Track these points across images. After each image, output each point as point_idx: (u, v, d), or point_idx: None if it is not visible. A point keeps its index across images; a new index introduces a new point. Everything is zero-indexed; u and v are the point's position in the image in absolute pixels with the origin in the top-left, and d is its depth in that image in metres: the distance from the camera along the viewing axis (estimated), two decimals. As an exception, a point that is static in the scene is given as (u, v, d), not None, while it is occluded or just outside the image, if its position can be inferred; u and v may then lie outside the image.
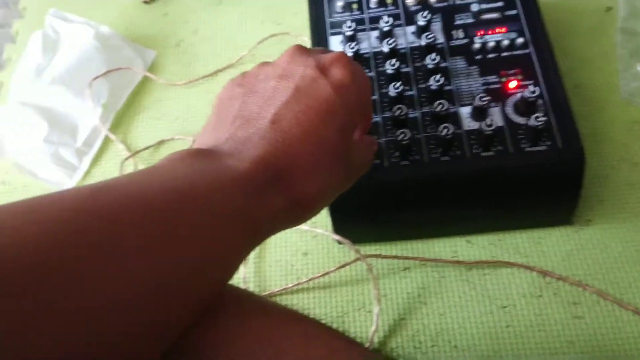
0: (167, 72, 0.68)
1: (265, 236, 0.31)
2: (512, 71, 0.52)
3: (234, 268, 0.28)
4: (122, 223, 0.23)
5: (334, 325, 0.49)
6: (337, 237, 0.52)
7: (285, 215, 0.31)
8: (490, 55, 0.53)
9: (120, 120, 0.65)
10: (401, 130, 0.48)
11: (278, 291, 0.51)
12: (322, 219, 0.55)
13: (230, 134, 0.31)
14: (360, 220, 0.52)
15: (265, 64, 0.36)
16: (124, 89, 0.66)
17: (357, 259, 0.51)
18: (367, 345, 0.47)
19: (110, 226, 0.22)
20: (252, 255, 0.53)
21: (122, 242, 0.22)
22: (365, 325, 0.49)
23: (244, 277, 0.52)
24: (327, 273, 0.51)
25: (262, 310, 0.31)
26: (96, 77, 0.64)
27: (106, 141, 0.63)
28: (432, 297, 0.50)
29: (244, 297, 0.32)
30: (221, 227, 0.27)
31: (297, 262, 0.53)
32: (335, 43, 0.55)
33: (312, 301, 0.51)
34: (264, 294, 0.51)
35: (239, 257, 0.29)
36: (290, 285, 0.51)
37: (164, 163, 0.28)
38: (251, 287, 0.52)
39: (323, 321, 0.49)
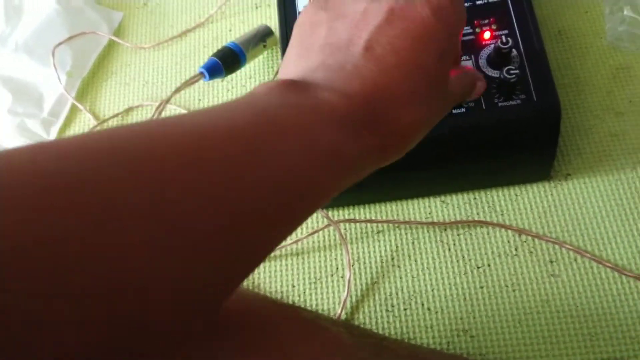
0: (134, 35, 0.65)
1: (356, 175, 0.28)
2: (486, 21, 0.49)
3: (318, 204, 0.26)
4: (207, 149, 0.21)
5: (307, 292, 0.49)
6: (307, 202, 0.50)
7: (379, 151, 0.28)
8: (465, 5, 0.50)
9: (87, 87, 0.63)
10: (368, 90, 0.45)
11: (250, 259, 0.50)
12: (294, 184, 0.53)
13: (319, 62, 0.28)
14: (331, 184, 0.50)
15: None
16: (89, 54, 0.63)
17: (328, 225, 0.50)
18: (338, 312, 0.47)
19: (195, 153, 0.21)
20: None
21: (206, 165, 0.20)
22: (338, 291, 0.48)
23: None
24: (299, 240, 0.50)
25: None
26: (59, 44, 0.62)
27: (73, 110, 0.62)
28: (405, 259, 0.49)
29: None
30: (312, 162, 0.24)
31: (268, 228, 0.52)
32: None
33: (283, 269, 0.50)
34: (235, 262, 0.50)
35: (327, 193, 0.26)
36: (261, 252, 0.50)
37: (254, 93, 0.26)
38: (223, 256, 0.51)
39: (295, 288, 0.49)
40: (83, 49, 0.63)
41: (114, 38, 0.64)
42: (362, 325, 0.46)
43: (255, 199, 0.22)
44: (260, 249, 0.23)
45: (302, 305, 0.48)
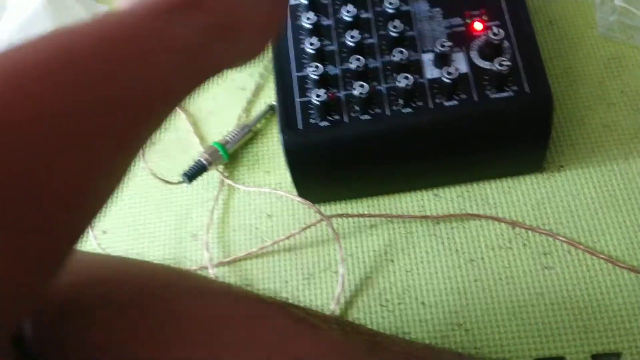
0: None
1: (207, 62, 0.28)
2: (477, 11, 0.48)
3: (178, 90, 0.27)
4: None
5: (300, 288, 0.48)
6: (300, 199, 0.50)
7: (219, 33, 0.28)
8: None
9: (74, 83, 0.62)
10: (359, 83, 0.45)
11: (243, 256, 0.50)
12: (286, 181, 0.53)
13: None
14: (324, 180, 0.50)
15: None
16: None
17: (320, 220, 0.49)
18: (332, 307, 0.46)
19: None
20: (215, 219, 0.52)
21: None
22: (332, 286, 0.48)
23: (207, 243, 0.50)
24: (292, 235, 0.50)
25: (197, 291, 0.30)
26: (45, 39, 0.61)
27: (60, 107, 0.61)
28: (399, 254, 0.48)
29: (177, 279, 0.30)
30: (140, 52, 0.25)
31: (261, 225, 0.51)
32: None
33: (277, 264, 0.49)
34: (227, 259, 0.50)
35: (175, 78, 0.27)
36: (254, 249, 0.50)
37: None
38: (214, 253, 0.50)
39: (288, 284, 0.48)
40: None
41: (100, 33, 0.63)
42: (355, 321, 0.45)
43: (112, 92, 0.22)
44: (124, 155, 0.24)
45: (295, 302, 0.47)
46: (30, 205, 0.19)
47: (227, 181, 0.53)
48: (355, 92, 0.44)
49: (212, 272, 0.49)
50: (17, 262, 0.19)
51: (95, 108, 0.22)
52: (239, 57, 0.31)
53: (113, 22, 0.25)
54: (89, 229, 0.24)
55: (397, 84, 0.44)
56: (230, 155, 0.54)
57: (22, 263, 0.19)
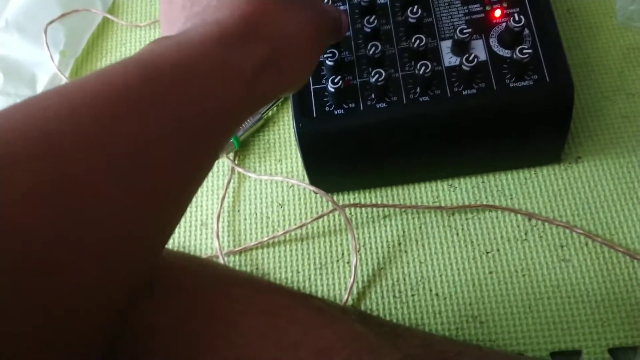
0: (128, 13, 0.63)
1: (261, 96, 0.29)
2: (497, -2, 0.47)
3: (235, 122, 0.27)
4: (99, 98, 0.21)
5: (312, 278, 0.48)
6: (312, 187, 0.49)
7: (273, 64, 0.28)
8: None
9: (81, 66, 0.61)
10: (376, 70, 0.44)
11: (253, 245, 0.49)
12: (298, 169, 0.52)
13: (186, 15, 0.29)
14: (337, 168, 0.49)
15: None
16: (82, 32, 0.61)
17: (333, 209, 0.49)
18: (344, 298, 0.46)
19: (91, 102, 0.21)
20: (225, 208, 0.51)
21: (103, 115, 0.21)
22: (344, 276, 0.47)
23: (217, 232, 0.50)
24: (304, 224, 0.49)
25: (217, 282, 0.29)
26: (52, 22, 0.59)
27: (67, 91, 0.59)
28: (412, 245, 0.48)
29: (196, 268, 0.29)
30: (206, 82, 0.25)
31: (272, 213, 0.50)
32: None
33: (288, 254, 0.49)
34: (238, 248, 0.49)
35: (235, 111, 0.27)
36: (265, 238, 0.49)
37: (139, 54, 0.26)
38: (225, 242, 0.50)
39: (300, 274, 0.48)
40: (76, 27, 0.61)
41: (108, 16, 0.62)
42: (372, 313, 0.45)
43: (166, 139, 0.22)
44: (185, 188, 0.24)
45: (308, 292, 0.47)
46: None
47: (238, 169, 0.52)
48: (372, 80, 0.43)
49: (222, 261, 0.48)
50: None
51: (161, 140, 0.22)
52: (288, 86, 0.32)
53: (172, 53, 0.25)
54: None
55: (415, 71, 0.43)
56: (241, 143, 0.53)
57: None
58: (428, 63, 0.43)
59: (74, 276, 0.19)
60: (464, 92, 0.44)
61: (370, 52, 0.45)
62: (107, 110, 0.21)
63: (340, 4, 0.49)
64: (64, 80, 0.59)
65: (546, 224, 0.47)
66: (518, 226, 0.47)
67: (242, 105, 0.27)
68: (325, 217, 0.49)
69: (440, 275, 0.46)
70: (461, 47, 0.45)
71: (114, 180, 0.20)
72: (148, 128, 0.22)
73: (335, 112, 0.45)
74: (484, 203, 0.48)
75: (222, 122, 0.26)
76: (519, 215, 0.47)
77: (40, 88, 0.58)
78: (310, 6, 0.32)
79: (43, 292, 0.18)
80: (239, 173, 0.52)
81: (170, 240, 0.50)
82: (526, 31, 0.45)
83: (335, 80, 0.44)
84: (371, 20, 0.46)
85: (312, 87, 0.46)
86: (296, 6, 0.30)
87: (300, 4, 0.31)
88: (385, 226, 0.48)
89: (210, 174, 0.53)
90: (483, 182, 0.49)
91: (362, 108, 0.45)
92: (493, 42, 0.46)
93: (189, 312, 0.27)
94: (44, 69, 0.59)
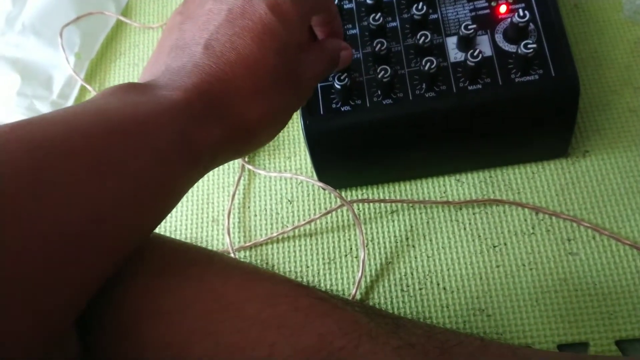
0: (142, 15, 0.65)
1: (209, 165, 0.30)
2: (502, -6, 0.47)
3: (175, 198, 0.28)
4: (52, 154, 0.22)
5: (321, 273, 0.48)
6: (320, 184, 0.50)
7: (228, 143, 0.30)
8: None
9: (96, 68, 0.62)
10: (382, 67, 0.44)
11: (263, 240, 0.50)
12: (307, 166, 0.53)
13: (166, 66, 0.30)
14: (345, 165, 0.50)
15: None
16: (97, 35, 0.63)
17: (341, 205, 0.49)
18: (352, 292, 0.46)
19: (43, 158, 0.22)
20: (236, 204, 0.52)
21: (52, 174, 0.22)
22: (353, 271, 0.48)
23: (228, 228, 0.51)
24: (312, 220, 0.50)
25: (223, 270, 0.30)
26: (67, 24, 0.61)
27: (82, 91, 0.61)
28: (420, 239, 0.48)
29: (204, 258, 0.30)
30: (156, 157, 0.26)
31: (281, 210, 0.51)
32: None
33: (297, 249, 0.49)
34: (248, 244, 0.50)
35: (180, 187, 0.28)
36: (274, 233, 0.50)
37: (96, 97, 0.27)
38: (235, 238, 0.51)
39: (309, 269, 0.49)
40: (91, 30, 0.62)
41: (121, 18, 0.63)
42: (376, 306, 0.45)
43: (105, 203, 0.23)
44: (117, 251, 0.25)
45: (317, 286, 0.47)
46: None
47: (248, 166, 0.53)
48: (378, 76, 0.44)
49: (233, 256, 0.49)
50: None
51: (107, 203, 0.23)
52: (249, 151, 0.33)
53: (131, 113, 0.26)
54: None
55: (420, 67, 0.44)
56: (251, 140, 0.54)
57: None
58: (434, 59, 0.44)
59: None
60: (470, 88, 0.45)
61: (376, 49, 0.46)
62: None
63: (346, 2, 0.49)
64: (79, 81, 0.60)
65: (553, 217, 0.47)
66: (525, 220, 0.47)
67: (183, 182, 0.28)
68: (334, 213, 0.50)
69: (448, 269, 0.47)
70: (466, 43, 0.46)
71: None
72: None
73: (342, 109, 0.46)
74: (491, 197, 0.49)
75: (169, 186, 0.27)
76: (526, 210, 0.48)
77: (56, 89, 0.60)
78: (282, 92, 0.32)
79: None
80: (249, 170, 0.53)
81: (181, 236, 0.51)
82: (531, 26, 0.45)
83: (342, 78, 0.44)
84: (377, 17, 0.47)
85: (319, 84, 0.46)
86: (268, 88, 0.31)
87: (273, 91, 0.31)
88: (393, 221, 0.49)
89: (221, 171, 0.54)
90: (490, 176, 0.49)
91: (368, 104, 0.46)
92: (498, 38, 0.46)
93: (195, 297, 0.27)
94: (59, 70, 0.61)
